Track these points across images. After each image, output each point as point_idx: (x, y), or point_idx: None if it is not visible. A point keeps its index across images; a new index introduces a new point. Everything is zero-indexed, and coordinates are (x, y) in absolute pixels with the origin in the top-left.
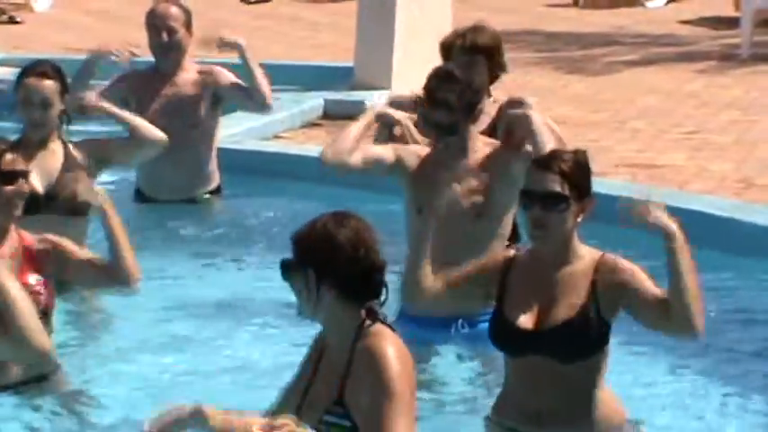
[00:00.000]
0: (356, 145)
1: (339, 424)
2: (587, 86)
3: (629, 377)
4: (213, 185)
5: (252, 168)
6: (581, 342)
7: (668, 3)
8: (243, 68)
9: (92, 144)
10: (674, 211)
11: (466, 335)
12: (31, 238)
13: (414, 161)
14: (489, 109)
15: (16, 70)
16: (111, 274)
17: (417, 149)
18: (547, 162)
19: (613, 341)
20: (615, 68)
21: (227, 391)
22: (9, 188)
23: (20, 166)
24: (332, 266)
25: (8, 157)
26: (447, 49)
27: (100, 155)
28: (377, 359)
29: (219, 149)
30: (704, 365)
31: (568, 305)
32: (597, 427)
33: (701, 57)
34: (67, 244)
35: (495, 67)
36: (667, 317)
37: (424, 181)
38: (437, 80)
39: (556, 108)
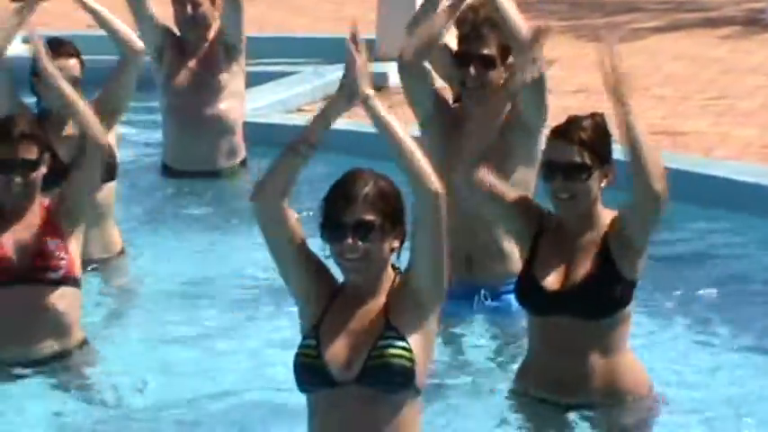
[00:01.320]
0: None
1: (394, 345)
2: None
3: (651, 349)
4: (239, 158)
5: (276, 141)
6: (603, 299)
7: None
8: None
9: (95, 104)
10: (699, 178)
11: (488, 307)
12: (47, 201)
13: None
14: None
15: None
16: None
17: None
18: (566, 131)
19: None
20: (639, 35)
21: (249, 365)
22: (24, 179)
23: (32, 155)
24: (405, 218)
25: (24, 144)
26: (461, 22)
27: (108, 107)
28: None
29: (244, 123)
30: (729, 335)
31: (590, 266)
32: (621, 394)
33: (726, 22)
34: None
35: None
36: (636, 196)
37: (443, 142)
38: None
39: (580, 76)
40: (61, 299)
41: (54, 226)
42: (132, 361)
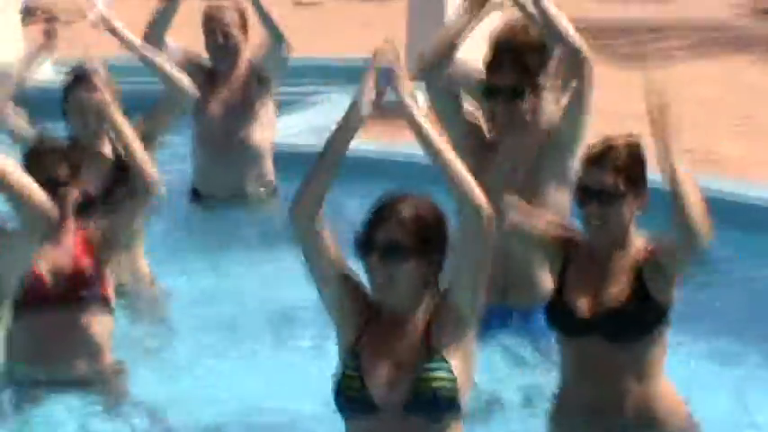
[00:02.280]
0: None
1: (438, 368)
2: (640, 77)
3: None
4: (269, 184)
5: (307, 166)
6: (633, 321)
7: None
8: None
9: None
10: (733, 200)
11: (522, 330)
12: (84, 226)
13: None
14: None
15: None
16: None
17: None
18: (601, 157)
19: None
20: (668, 58)
21: (283, 388)
22: (59, 192)
23: (62, 171)
24: (444, 247)
25: (56, 164)
26: (497, 43)
27: (145, 139)
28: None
29: (275, 147)
30: (764, 362)
31: (621, 288)
32: (656, 421)
33: (757, 44)
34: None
35: (543, 65)
36: (678, 240)
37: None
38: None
39: (609, 99)
40: (95, 321)
41: (89, 250)
42: (163, 385)
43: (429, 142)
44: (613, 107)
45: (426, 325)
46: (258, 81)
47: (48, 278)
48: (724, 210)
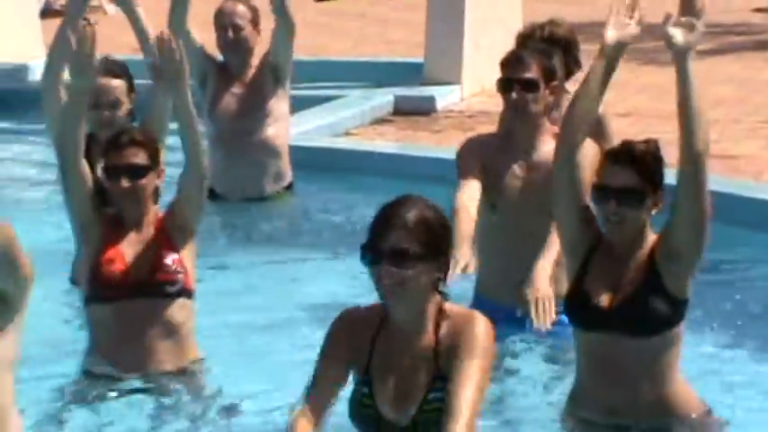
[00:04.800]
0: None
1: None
2: (660, 77)
3: (700, 375)
4: (286, 183)
5: (323, 165)
6: (650, 315)
7: None
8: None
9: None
10: (750, 202)
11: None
12: (162, 214)
13: (479, 157)
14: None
15: None
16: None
17: (479, 141)
18: (621, 156)
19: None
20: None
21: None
22: (132, 183)
23: (141, 160)
24: (449, 251)
25: (131, 150)
26: (524, 39)
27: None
28: (471, 322)
29: (291, 147)
30: None
31: (637, 283)
32: (673, 415)
33: None
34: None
35: (571, 62)
36: (680, 164)
37: (494, 174)
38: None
39: (630, 99)
40: (178, 311)
41: (169, 239)
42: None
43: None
44: (638, 107)
45: (435, 341)
46: (273, 78)
47: (131, 270)
48: (741, 209)
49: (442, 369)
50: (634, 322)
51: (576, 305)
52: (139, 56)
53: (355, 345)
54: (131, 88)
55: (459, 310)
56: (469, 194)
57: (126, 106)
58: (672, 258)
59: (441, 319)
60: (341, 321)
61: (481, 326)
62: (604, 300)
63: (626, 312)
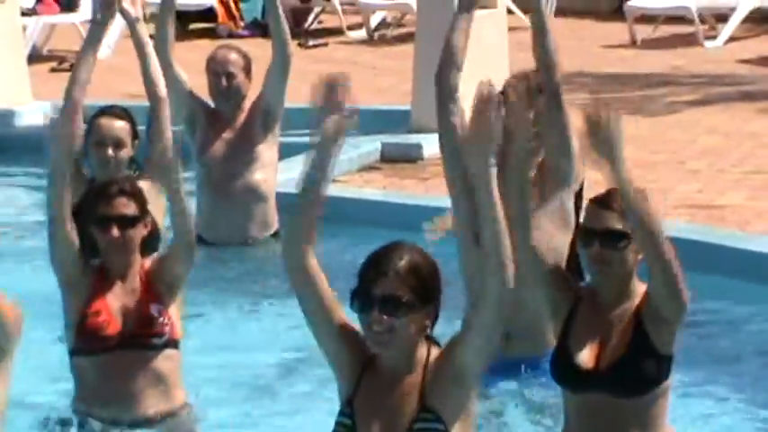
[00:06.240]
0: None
1: (431, 428)
2: (646, 127)
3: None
4: (273, 230)
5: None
6: (638, 377)
7: (727, 43)
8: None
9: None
10: (735, 252)
11: (527, 380)
12: (146, 264)
13: None
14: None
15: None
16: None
17: None
18: (605, 199)
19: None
20: (674, 109)
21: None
22: (122, 233)
23: (131, 210)
24: (439, 298)
25: (122, 200)
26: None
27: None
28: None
29: (278, 193)
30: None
31: (624, 342)
32: None
33: (762, 96)
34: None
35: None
36: (654, 295)
37: None
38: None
39: None
40: (164, 361)
41: (155, 291)
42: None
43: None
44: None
45: (423, 381)
46: (263, 123)
47: (117, 322)
48: (726, 259)
49: (428, 403)
50: (623, 385)
51: (561, 369)
52: (139, 103)
53: (348, 352)
54: (135, 134)
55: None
56: None
57: (128, 150)
58: (656, 320)
59: (429, 360)
60: (353, 326)
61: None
62: (590, 361)
63: (614, 376)
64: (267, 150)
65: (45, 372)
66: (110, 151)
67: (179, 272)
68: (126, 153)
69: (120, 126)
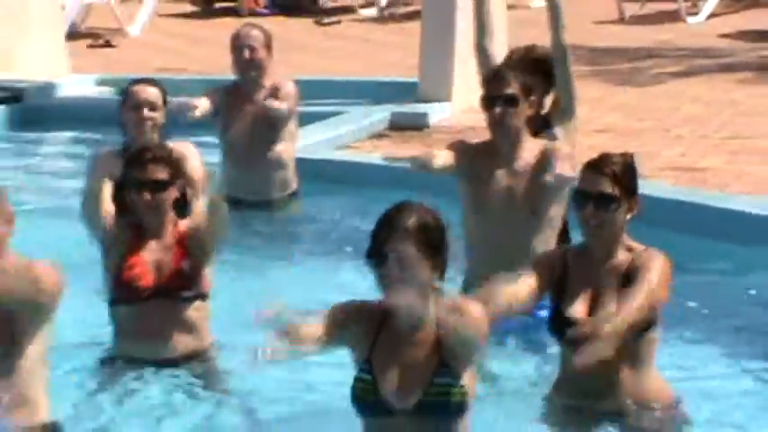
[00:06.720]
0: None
1: (449, 384)
2: (634, 97)
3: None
4: (291, 190)
5: (325, 175)
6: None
7: (708, 18)
8: None
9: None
10: (715, 211)
11: (524, 323)
12: (182, 226)
13: (468, 157)
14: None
15: (112, 89)
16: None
17: (471, 145)
18: (598, 164)
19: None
20: (660, 80)
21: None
22: (154, 196)
23: (163, 175)
24: (447, 251)
25: (154, 166)
26: (507, 59)
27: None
28: (466, 309)
29: (296, 158)
30: (746, 360)
31: (613, 294)
32: (648, 401)
33: (740, 68)
34: (192, 218)
35: (548, 82)
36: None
37: (479, 179)
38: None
39: (605, 117)
40: (194, 311)
41: (187, 249)
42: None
43: None
44: (613, 125)
45: (436, 336)
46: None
47: (150, 275)
48: (706, 220)
49: (445, 357)
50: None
51: (557, 325)
52: (168, 76)
53: (357, 329)
54: (164, 101)
55: (455, 300)
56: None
57: (161, 113)
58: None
59: (439, 311)
60: (346, 304)
61: (475, 311)
62: (583, 312)
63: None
64: (287, 123)
65: (88, 321)
66: (146, 112)
67: (209, 250)
68: (160, 117)
69: (153, 91)
